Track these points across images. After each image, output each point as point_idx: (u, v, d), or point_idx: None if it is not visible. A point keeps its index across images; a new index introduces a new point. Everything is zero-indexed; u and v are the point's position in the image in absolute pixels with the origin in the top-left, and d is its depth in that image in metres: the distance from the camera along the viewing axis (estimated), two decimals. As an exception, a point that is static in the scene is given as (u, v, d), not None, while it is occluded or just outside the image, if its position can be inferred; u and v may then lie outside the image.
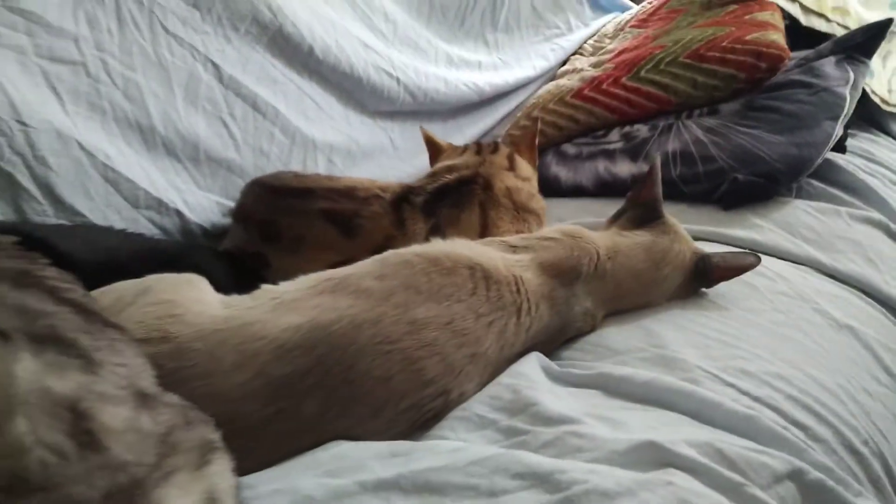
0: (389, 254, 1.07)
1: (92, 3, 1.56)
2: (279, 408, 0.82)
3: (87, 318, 0.56)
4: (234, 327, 0.88)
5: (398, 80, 2.20)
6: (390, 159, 2.20)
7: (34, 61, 1.46)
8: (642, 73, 2.07)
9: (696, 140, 1.82)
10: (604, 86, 2.16)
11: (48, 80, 1.48)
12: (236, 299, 1.00)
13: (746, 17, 2.14)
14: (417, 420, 0.91)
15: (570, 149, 2.12)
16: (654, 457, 0.81)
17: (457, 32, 2.62)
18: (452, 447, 0.80)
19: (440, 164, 1.53)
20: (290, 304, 0.94)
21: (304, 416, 0.83)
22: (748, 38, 1.93)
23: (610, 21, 3.07)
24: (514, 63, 2.69)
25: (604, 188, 1.93)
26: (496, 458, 0.76)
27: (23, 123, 1.39)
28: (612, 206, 1.76)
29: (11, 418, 0.46)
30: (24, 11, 1.44)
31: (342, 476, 0.75)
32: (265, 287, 1.02)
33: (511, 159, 1.55)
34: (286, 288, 1.01)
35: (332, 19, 2.08)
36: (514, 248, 1.17)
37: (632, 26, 2.79)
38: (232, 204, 1.72)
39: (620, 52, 2.43)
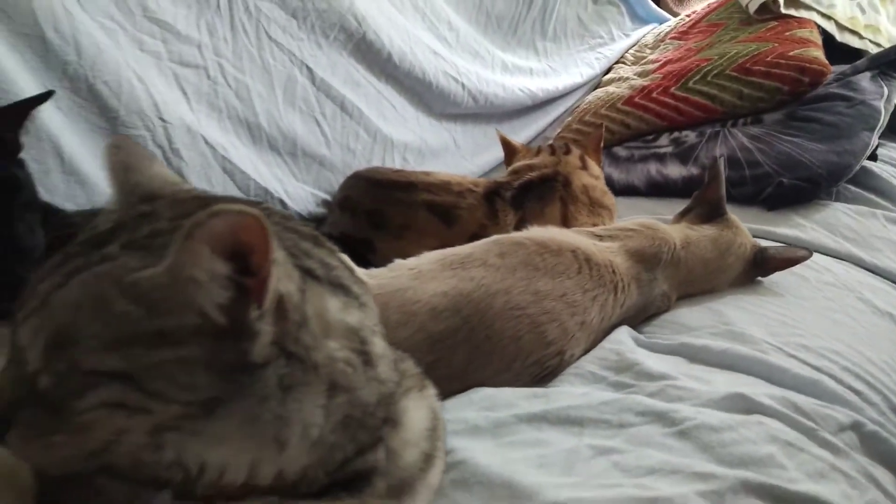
0: (502, 237, 1.26)
1: (211, 14, 1.75)
2: (436, 357, 1.00)
3: (352, 273, 0.74)
4: (390, 292, 1.07)
5: (463, 84, 2.38)
6: (454, 157, 2.38)
7: (167, 65, 1.66)
8: (690, 84, 2.26)
9: (742, 146, 2.00)
10: (654, 94, 2.34)
11: (178, 81, 1.67)
12: (375, 271, 1.19)
13: (787, 33, 2.31)
14: (538, 375, 1.09)
15: (621, 151, 2.30)
16: (742, 405, 0.99)
17: (510, 41, 2.81)
18: (581, 392, 0.99)
19: (521, 163, 1.71)
20: (428, 274, 1.13)
21: (454, 366, 1.02)
22: (791, 53, 2.11)
23: (648, 32, 3.25)
24: (562, 70, 2.87)
25: (655, 188, 2.11)
26: (621, 401, 0.95)
27: (162, 120, 1.58)
28: (661, 205, 1.97)
29: (327, 338, 0.65)
30: (160, 21, 1.64)
31: (498, 411, 0.94)
32: (398, 261, 1.21)
33: (583, 159, 1.73)
34: (416, 263, 1.20)
35: (407, 28, 2.27)
36: (599, 237, 1.35)
37: (672, 38, 2.97)
38: (324, 195, 1.92)
39: (665, 63, 2.61)
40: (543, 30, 2.91)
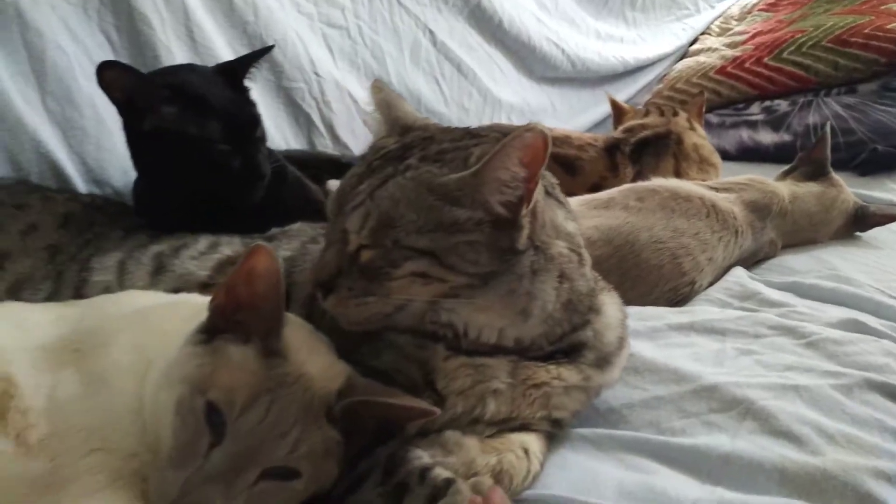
0: (635, 185, 1.44)
1: (353, -22, 1.94)
2: (592, 279, 1.19)
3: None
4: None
5: (563, 50, 2.53)
6: (552, 119, 2.54)
7: (318, 26, 1.85)
8: (784, 55, 2.37)
9: (836, 115, 2.12)
10: (746, 64, 2.45)
11: (326, 41, 1.87)
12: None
13: (882, 7, 2.39)
14: (672, 300, 1.27)
15: (712, 118, 2.43)
16: (856, 327, 1.15)
17: (601, 10, 2.93)
18: (715, 310, 1.17)
19: (633, 122, 1.87)
20: (577, 213, 1.31)
21: (608, 287, 1.21)
22: (889, 27, 2.20)
23: (734, 4, 3.33)
24: (650, 39, 2.99)
25: (746, 153, 2.25)
26: (753, 317, 1.13)
27: (317, 75, 1.79)
28: (750, 168, 2.10)
29: (557, 238, 0.84)
30: (309, -17, 1.83)
31: (651, 321, 1.13)
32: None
33: (690, 121, 1.88)
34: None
35: (513, -5, 2.42)
36: (715, 189, 1.52)
37: (759, 10, 3.04)
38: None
39: (755, 35, 2.70)
40: (632, 1, 3.02)
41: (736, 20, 3.12)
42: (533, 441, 0.84)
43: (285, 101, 1.75)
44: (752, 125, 2.29)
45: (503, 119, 2.35)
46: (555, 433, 0.89)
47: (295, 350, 0.77)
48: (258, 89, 1.67)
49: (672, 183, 1.42)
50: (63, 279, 1.07)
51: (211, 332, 0.76)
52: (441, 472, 0.74)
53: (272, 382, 0.72)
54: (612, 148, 1.74)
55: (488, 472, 0.77)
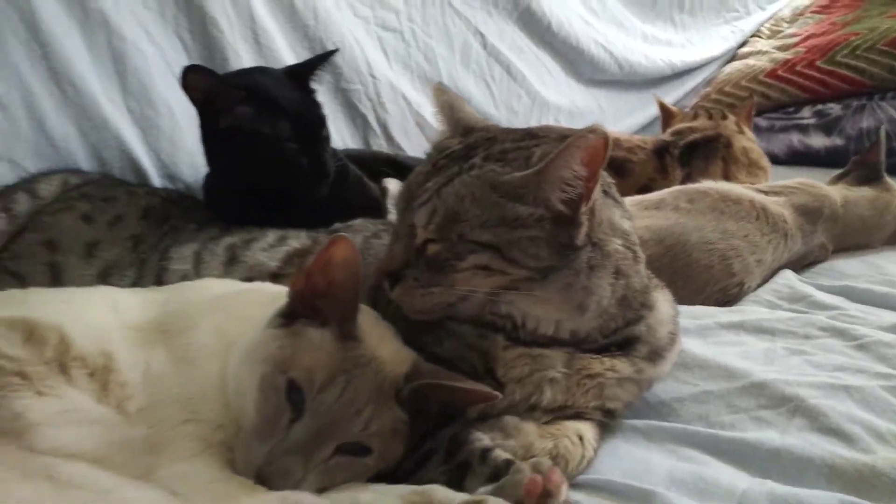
0: (685, 187, 1.46)
1: (407, -18, 2.01)
2: (644, 278, 1.23)
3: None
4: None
5: (611, 53, 2.55)
6: (599, 121, 2.55)
7: (374, 29, 1.92)
8: (838, 58, 2.34)
9: (891, 119, 2.10)
10: (797, 67, 2.44)
11: (381, 44, 1.94)
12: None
13: (941, 10, 2.35)
14: (721, 300, 1.29)
15: (761, 122, 2.42)
16: (910, 332, 1.16)
17: (649, 13, 2.94)
18: (764, 310, 1.19)
19: (681, 125, 1.89)
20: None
21: (658, 286, 1.24)
22: (948, 30, 2.16)
23: (786, 5, 3.29)
24: (698, 42, 2.98)
25: (796, 157, 2.24)
26: (803, 318, 1.15)
27: (373, 76, 1.85)
28: (800, 173, 2.08)
29: (613, 236, 0.88)
30: (383, -12, 1.90)
31: (701, 319, 1.15)
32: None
33: (738, 125, 1.89)
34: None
35: (563, -1, 2.46)
36: (765, 193, 1.53)
37: (812, 12, 3.01)
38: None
39: (807, 38, 2.68)
40: (680, 3, 3.01)
41: (787, 22, 3.09)
42: (587, 429, 0.88)
43: (343, 102, 1.82)
44: (803, 129, 2.28)
45: (551, 121, 2.38)
46: (607, 423, 0.93)
47: (367, 335, 0.83)
48: (318, 90, 1.76)
49: (722, 185, 1.45)
50: (145, 267, 1.15)
51: (290, 316, 0.83)
52: (501, 454, 0.78)
53: (348, 364, 0.78)
54: (661, 150, 1.76)
55: (545, 456, 0.81)
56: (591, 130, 0.77)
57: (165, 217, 1.25)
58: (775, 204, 1.46)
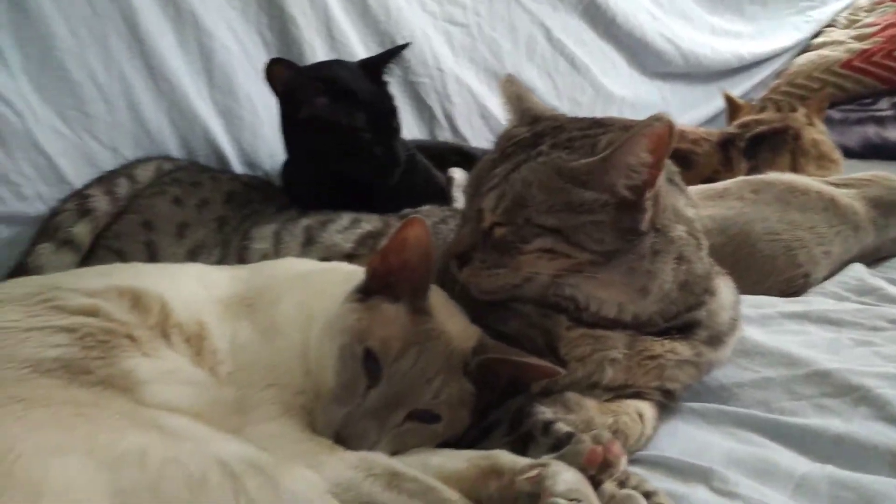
0: (751, 178, 1.46)
1: (473, -22, 2.05)
2: (707, 266, 1.24)
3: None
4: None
5: (676, 45, 2.54)
6: (663, 114, 2.54)
7: (441, 24, 1.98)
8: (919, 48, 2.25)
9: (974, 111, 2.01)
10: (875, 58, 2.36)
11: (448, 38, 1.99)
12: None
13: None
14: (786, 291, 1.29)
15: (834, 114, 2.35)
16: None
17: (717, 5, 2.89)
18: (830, 302, 1.19)
19: (748, 118, 1.87)
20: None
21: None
22: None
23: (864, -6, 3.16)
24: (769, 33, 2.91)
25: (872, 150, 2.17)
26: (872, 310, 1.14)
27: (440, 70, 1.91)
28: (876, 166, 2.02)
29: (677, 223, 0.90)
30: (438, -17, 1.95)
31: (763, 309, 1.16)
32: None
33: (808, 117, 1.85)
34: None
35: (629, -8, 2.45)
36: (836, 185, 1.50)
37: (893, 1, 2.89)
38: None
39: (887, 27, 2.58)
40: (752, -7, 2.96)
41: (866, 11, 2.98)
42: (647, 408, 0.91)
43: (411, 95, 1.88)
44: (880, 121, 2.21)
45: (615, 113, 2.38)
46: (667, 404, 0.95)
47: (437, 310, 0.88)
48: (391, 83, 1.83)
49: (788, 176, 1.44)
50: (229, 247, 1.24)
51: (366, 292, 0.89)
52: (563, 426, 0.82)
53: (420, 336, 0.84)
54: (725, 143, 1.75)
55: (605, 430, 0.85)
56: (658, 119, 0.80)
57: (247, 201, 1.34)
58: (846, 196, 1.44)
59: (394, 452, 0.81)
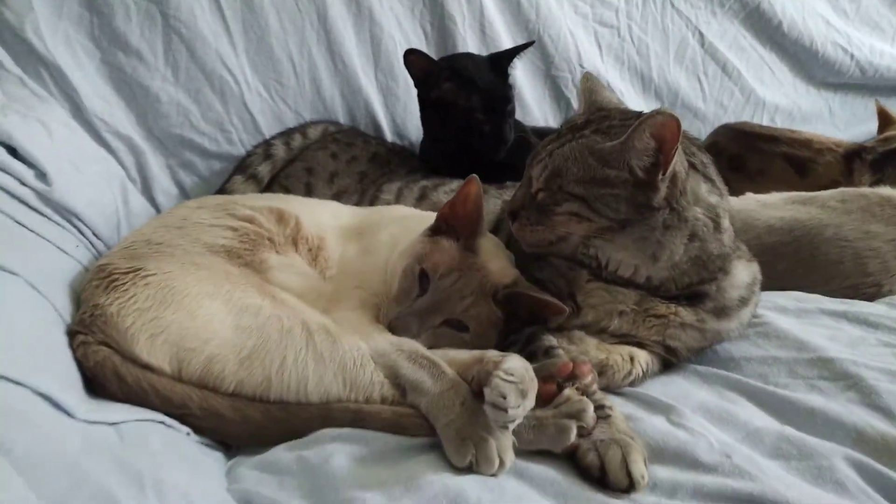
0: (848, 189, 1.49)
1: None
2: (763, 261, 1.32)
3: (718, 172, 1.13)
4: (738, 210, 1.41)
5: (852, 55, 2.44)
6: (825, 125, 2.47)
7: (591, 24, 2.16)
8: None
9: None
10: None
11: (597, 38, 2.17)
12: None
13: None
14: (852, 296, 1.33)
15: None
16: None
17: (922, 13, 2.69)
18: (885, 308, 1.23)
19: (892, 133, 1.82)
20: (771, 205, 1.45)
21: (778, 270, 1.33)
22: None
23: None
24: (980, 46, 2.64)
25: None
26: (918, 320, 1.17)
27: (581, 66, 2.10)
28: None
29: (696, 206, 1.06)
30: (589, -9, 2.15)
31: (806, 303, 1.24)
32: (749, 194, 1.54)
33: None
34: (764, 197, 1.51)
35: (802, -1, 2.42)
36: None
37: None
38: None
39: None
40: (971, -1, 2.69)
41: None
42: (641, 354, 1.09)
43: (551, 87, 2.11)
44: None
45: (765, 119, 2.39)
46: (669, 359, 1.12)
47: (484, 251, 1.15)
48: (530, 75, 2.08)
49: (892, 192, 1.44)
50: (365, 195, 1.59)
51: (436, 231, 1.17)
52: (561, 353, 1.04)
53: (463, 265, 1.11)
54: (852, 155, 1.74)
55: (597, 362, 1.05)
56: (659, 112, 0.97)
57: (386, 162, 1.68)
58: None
59: (430, 347, 1.09)
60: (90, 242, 1.33)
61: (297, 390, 0.96)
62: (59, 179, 1.28)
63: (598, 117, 1.14)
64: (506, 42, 2.00)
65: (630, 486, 0.84)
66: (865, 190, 1.46)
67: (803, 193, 1.48)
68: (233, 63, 1.69)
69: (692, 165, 1.08)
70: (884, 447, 0.92)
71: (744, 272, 1.13)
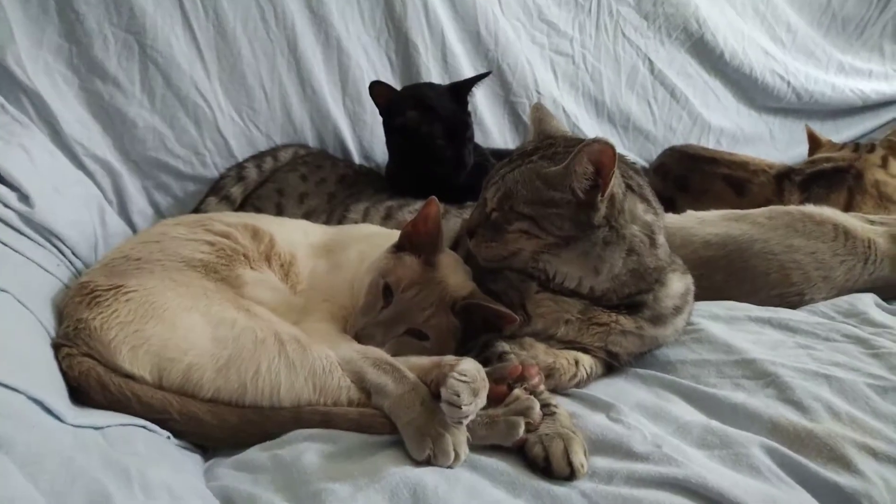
0: (775, 207, 1.64)
1: (584, 16, 2.35)
2: (701, 273, 1.45)
3: (654, 193, 1.26)
4: (678, 227, 1.55)
5: (789, 82, 2.63)
6: (766, 147, 2.65)
7: (548, 53, 2.30)
8: None
9: None
10: None
11: (553, 66, 2.31)
12: (671, 216, 1.66)
13: None
14: (779, 304, 1.47)
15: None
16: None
17: (853, 43, 2.90)
18: (804, 315, 1.36)
19: (820, 155, 1.99)
20: (709, 222, 1.58)
21: (713, 282, 1.47)
22: None
23: None
24: (906, 74, 2.86)
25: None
26: (833, 325, 1.31)
27: (538, 93, 2.23)
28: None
29: (633, 224, 1.18)
30: (549, 21, 2.28)
31: (735, 311, 1.38)
32: (689, 212, 1.68)
33: (885, 159, 1.93)
34: (702, 214, 1.65)
35: (742, 30, 2.60)
36: (871, 222, 1.63)
37: None
38: (643, 162, 2.41)
39: None
40: (895, 33, 2.92)
41: None
42: (586, 358, 1.20)
43: (510, 112, 2.24)
44: None
45: (711, 142, 2.55)
46: (612, 363, 1.23)
47: (444, 267, 1.25)
48: (490, 101, 2.21)
49: (809, 208, 1.59)
50: (333, 215, 1.69)
51: (399, 248, 1.27)
52: (514, 358, 1.15)
53: (424, 280, 1.21)
54: (782, 176, 1.90)
55: (545, 366, 1.15)
56: (596, 140, 1.09)
57: (354, 183, 1.78)
58: (871, 232, 1.57)
59: (394, 354, 1.18)
60: (69, 261, 1.40)
61: (271, 395, 1.05)
62: (40, 202, 1.35)
63: (545, 144, 1.26)
64: (466, 70, 2.12)
65: (571, 475, 0.94)
66: (790, 207, 1.61)
67: (737, 211, 1.62)
68: (207, 90, 1.78)
69: (629, 187, 1.20)
70: (795, 436, 1.04)
71: (678, 283, 1.26)
